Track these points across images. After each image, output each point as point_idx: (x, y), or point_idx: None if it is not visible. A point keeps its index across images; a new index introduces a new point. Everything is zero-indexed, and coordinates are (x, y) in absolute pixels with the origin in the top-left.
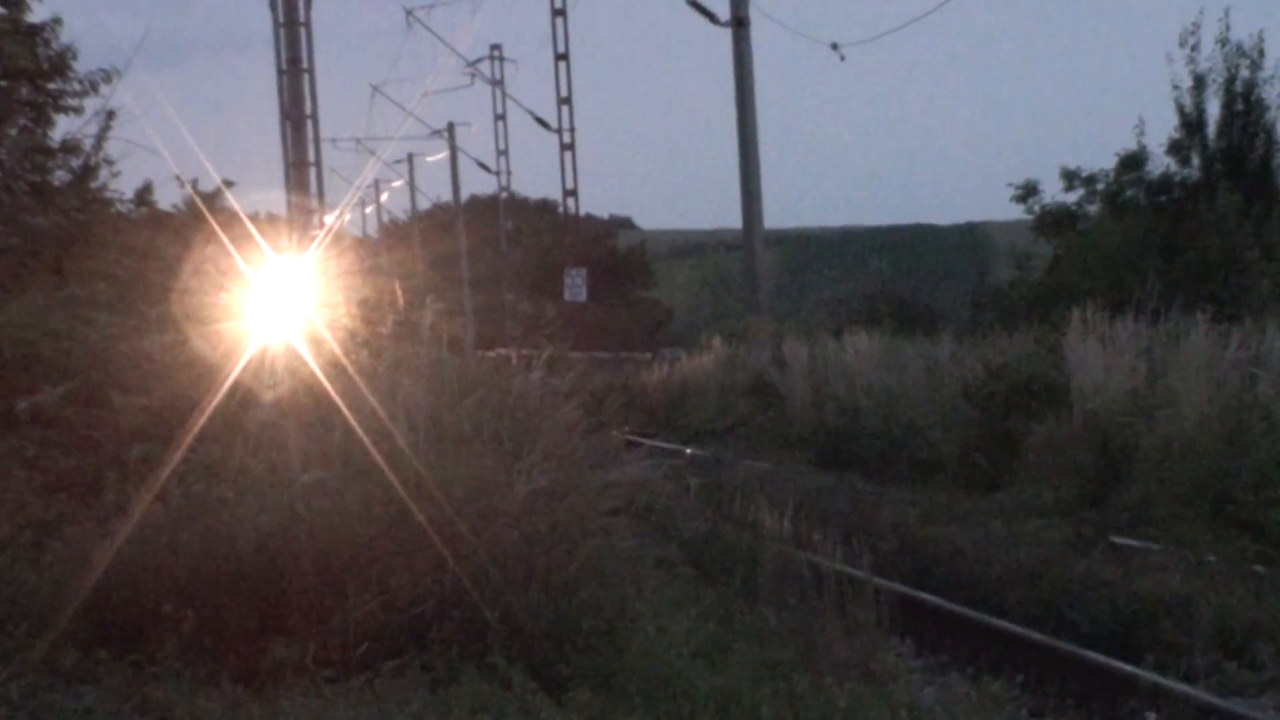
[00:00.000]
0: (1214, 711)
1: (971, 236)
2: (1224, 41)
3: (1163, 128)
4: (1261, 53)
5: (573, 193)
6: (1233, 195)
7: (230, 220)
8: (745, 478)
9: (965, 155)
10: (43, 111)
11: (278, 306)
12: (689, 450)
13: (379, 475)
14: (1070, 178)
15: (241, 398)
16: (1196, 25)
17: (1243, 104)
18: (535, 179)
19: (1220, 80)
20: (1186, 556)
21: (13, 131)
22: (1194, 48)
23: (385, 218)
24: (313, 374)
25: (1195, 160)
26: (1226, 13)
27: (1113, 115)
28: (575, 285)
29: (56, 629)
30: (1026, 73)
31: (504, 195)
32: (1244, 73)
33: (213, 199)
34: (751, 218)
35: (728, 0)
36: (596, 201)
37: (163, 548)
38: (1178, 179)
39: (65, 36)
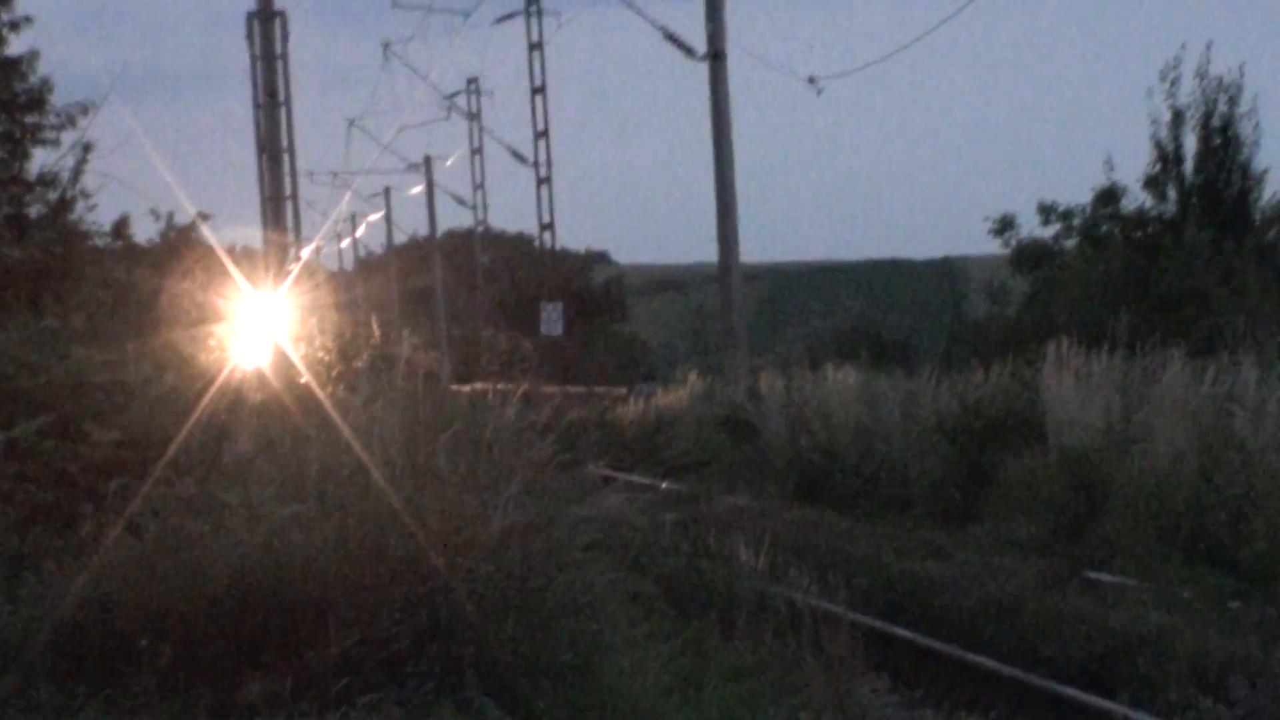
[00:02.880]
0: None
1: (947, 271)
2: (1203, 75)
3: (1137, 163)
4: (1240, 87)
5: (549, 226)
6: (1201, 230)
7: (207, 254)
8: (721, 512)
9: (941, 189)
10: (19, 144)
11: (254, 340)
12: (665, 485)
13: (355, 509)
14: (1047, 212)
15: (218, 432)
16: (1178, 60)
17: (1220, 138)
18: (512, 213)
19: (1198, 115)
20: (1161, 591)
21: None
22: (1174, 82)
23: (362, 251)
24: (288, 408)
25: (1171, 195)
26: (1209, 46)
27: (1089, 150)
28: (551, 319)
29: (32, 663)
30: (1002, 107)
31: (480, 229)
32: (1222, 107)
33: (189, 232)
34: (728, 252)
35: (704, 34)
36: (573, 235)
37: (139, 581)
38: (1154, 214)
39: (42, 70)
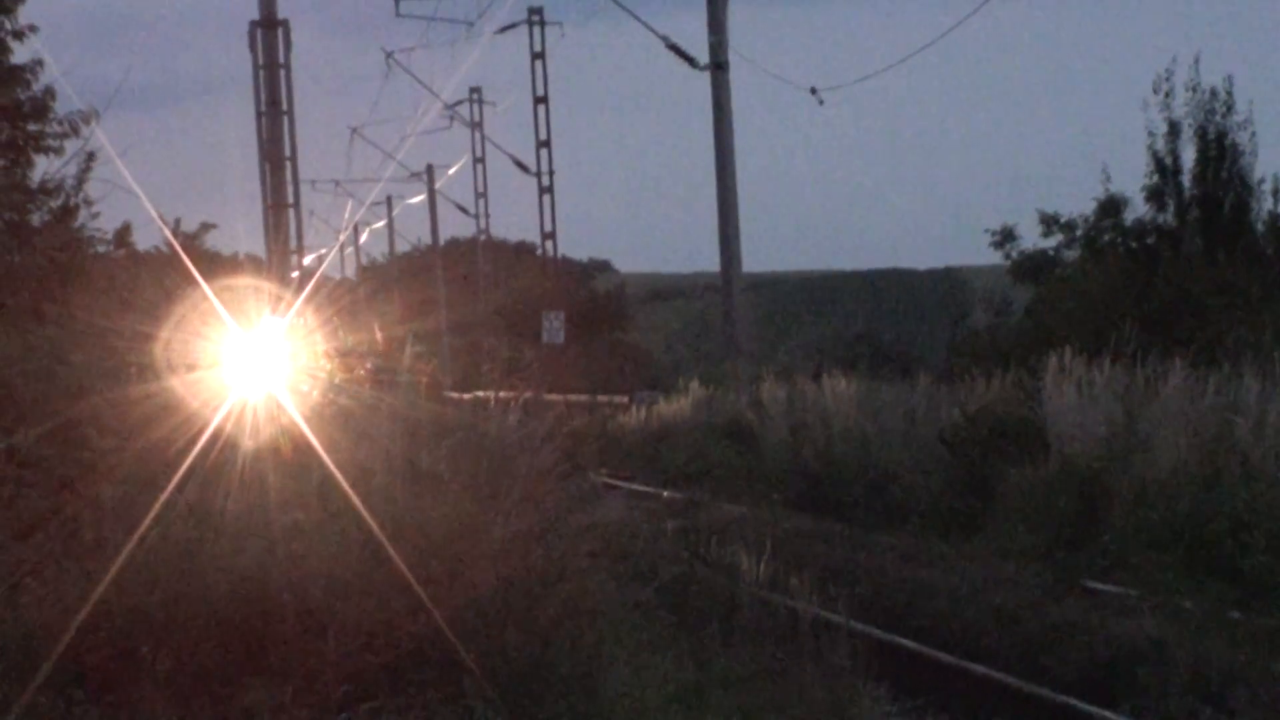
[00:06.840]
0: None
1: (949, 281)
2: (1195, 88)
3: (1138, 174)
4: (1231, 96)
5: (551, 235)
6: (1195, 241)
7: (210, 262)
8: (722, 521)
9: (943, 200)
10: (22, 152)
11: (257, 348)
12: (666, 493)
13: (356, 518)
14: (1049, 223)
15: (219, 437)
16: (1169, 72)
17: (1217, 149)
18: (514, 221)
19: (1194, 126)
20: (1162, 602)
21: None
22: (1168, 94)
23: (364, 260)
24: (291, 417)
25: (1171, 206)
26: (1196, 59)
27: (1092, 160)
28: (553, 328)
29: (32, 670)
30: (1004, 117)
31: (482, 237)
32: (1217, 118)
33: (193, 240)
34: (729, 261)
35: (707, 44)
36: (575, 244)
37: (140, 589)
38: (1154, 224)
39: (45, 78)
